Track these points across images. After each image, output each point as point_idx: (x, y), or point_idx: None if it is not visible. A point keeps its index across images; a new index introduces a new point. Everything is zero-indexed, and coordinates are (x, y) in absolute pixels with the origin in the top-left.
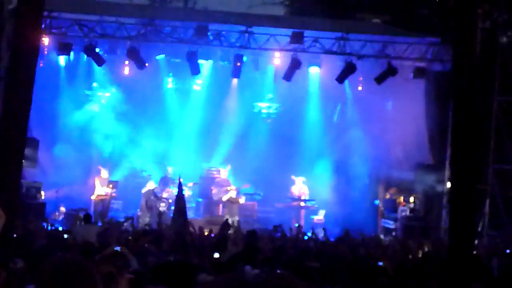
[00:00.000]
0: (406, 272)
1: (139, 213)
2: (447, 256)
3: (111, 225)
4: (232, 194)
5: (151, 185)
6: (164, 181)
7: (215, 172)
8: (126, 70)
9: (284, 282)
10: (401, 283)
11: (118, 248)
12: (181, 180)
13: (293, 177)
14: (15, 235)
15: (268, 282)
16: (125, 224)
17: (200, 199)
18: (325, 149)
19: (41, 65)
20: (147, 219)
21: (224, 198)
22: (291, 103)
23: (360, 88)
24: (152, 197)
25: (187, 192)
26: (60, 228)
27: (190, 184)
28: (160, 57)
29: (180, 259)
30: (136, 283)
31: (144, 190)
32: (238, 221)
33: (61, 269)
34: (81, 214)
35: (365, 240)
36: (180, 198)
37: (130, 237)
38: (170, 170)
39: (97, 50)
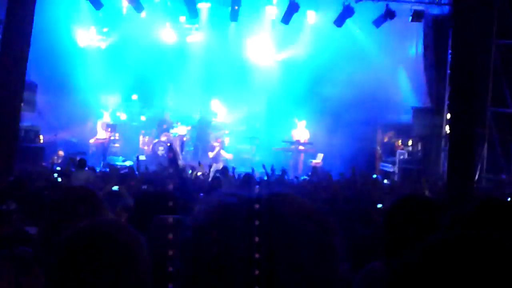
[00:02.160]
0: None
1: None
2: (445, 198)
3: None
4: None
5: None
6: (162, 125)
7: (212, 117)
8: (124, 13)
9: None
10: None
11: (116, 189)
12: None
13: (296, 120)
14: (11, 178)
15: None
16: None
17: (197, 143)
18: (323, 93)
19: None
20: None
21: (211, 154)
22: (289, 47)
23: (357, 31)
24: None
25: (185, 137)
26: (56, 174)
27: (188, 128)
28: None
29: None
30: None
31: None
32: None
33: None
34: (78, 158)
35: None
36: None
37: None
38: (167, 114)
39: None
